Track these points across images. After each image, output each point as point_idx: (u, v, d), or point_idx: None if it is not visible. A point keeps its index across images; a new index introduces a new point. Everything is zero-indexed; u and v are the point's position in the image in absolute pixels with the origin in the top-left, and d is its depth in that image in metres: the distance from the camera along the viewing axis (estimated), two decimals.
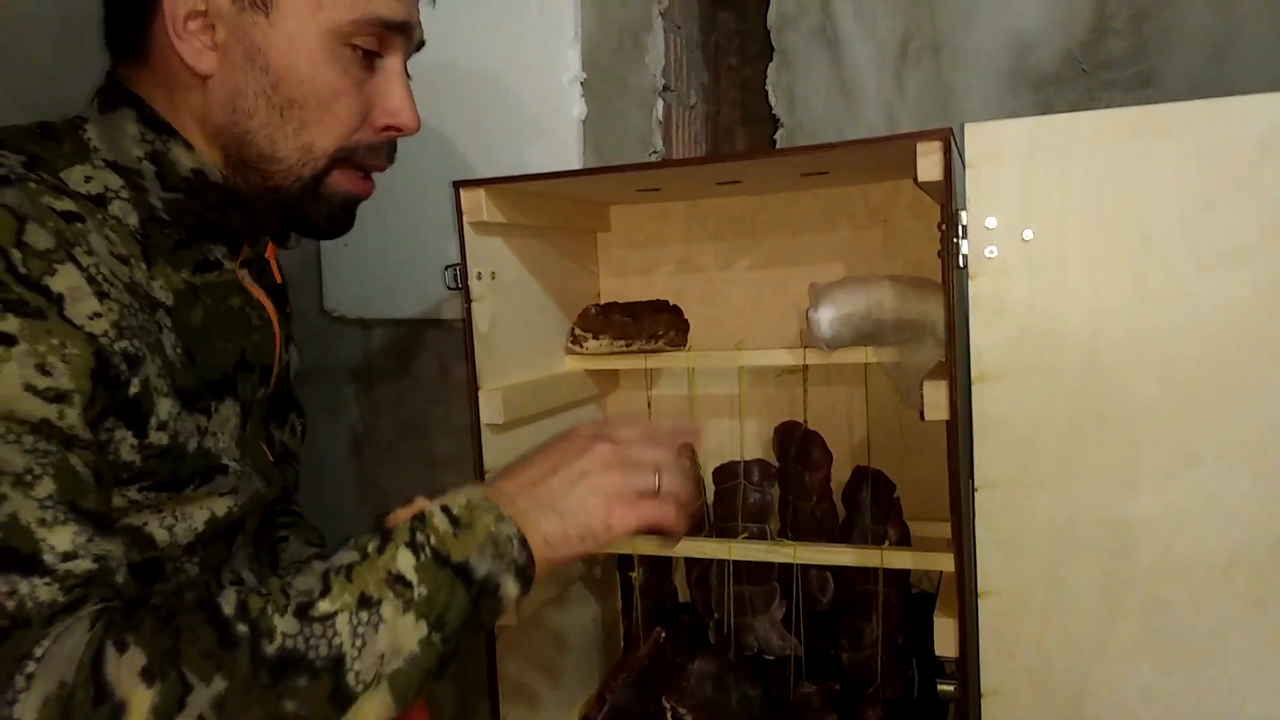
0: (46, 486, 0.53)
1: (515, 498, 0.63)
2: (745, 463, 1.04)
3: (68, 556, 0.53)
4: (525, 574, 0.61)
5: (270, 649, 0.53)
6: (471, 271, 0.91)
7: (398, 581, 0.57)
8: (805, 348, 0.96)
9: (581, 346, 1.07)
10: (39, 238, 0.56)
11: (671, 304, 1.11)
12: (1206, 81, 0.96)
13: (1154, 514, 0.71)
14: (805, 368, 1.05)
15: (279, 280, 0.86)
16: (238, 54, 0.66)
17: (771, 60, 1.14)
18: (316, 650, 0.54)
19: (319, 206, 0.71)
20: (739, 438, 1.11)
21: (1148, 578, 0.72)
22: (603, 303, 1.13)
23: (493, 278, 0.95)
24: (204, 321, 0.70)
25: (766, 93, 1.16)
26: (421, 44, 0.74)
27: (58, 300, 0.56)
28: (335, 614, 0.55)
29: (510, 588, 0.60)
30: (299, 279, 1.36)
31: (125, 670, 0.50)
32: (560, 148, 1.18)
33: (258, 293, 0.77)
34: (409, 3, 0.70)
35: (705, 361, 1.04)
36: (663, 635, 1.07)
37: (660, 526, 0.67)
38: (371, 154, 0.72)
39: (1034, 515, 0.74)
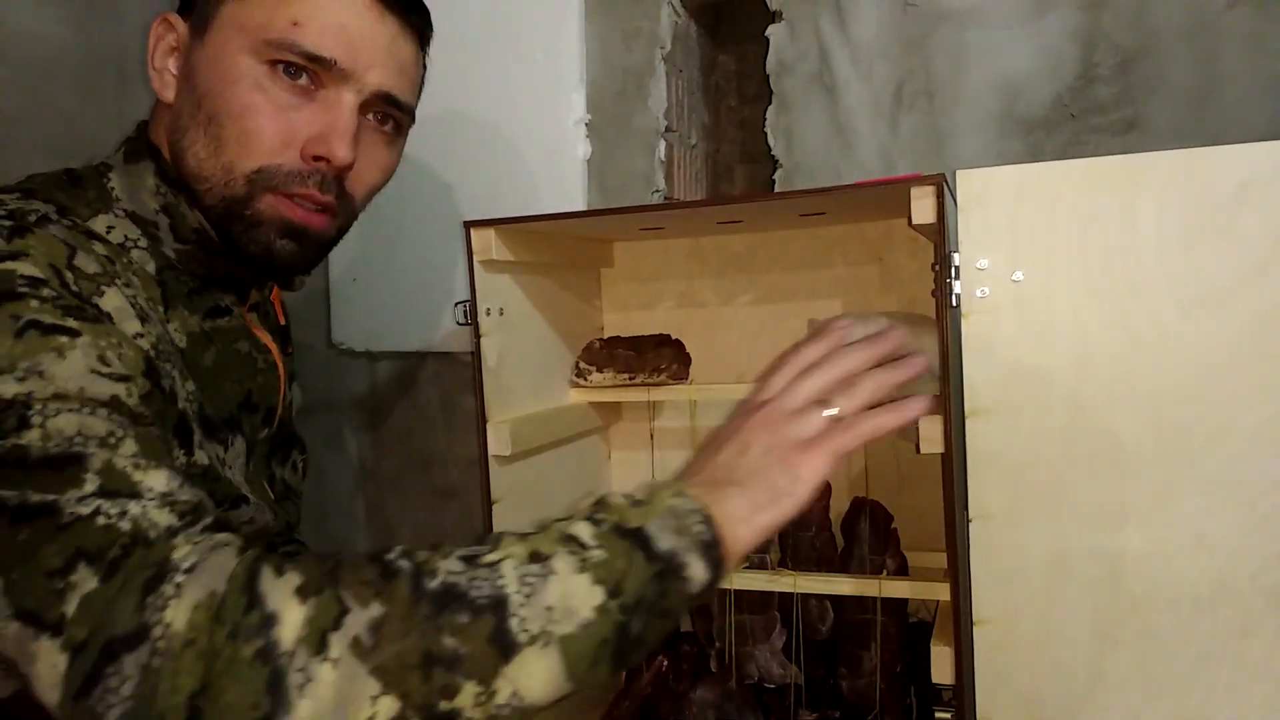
0: (130, 446, 0.53)
1: (693, 482, 0.59)
2: None
3: (167, 495, 0.52)
4: (713, 553, 0.55)
5: (432, 584, 0.50)
6: (481, 308, 0.94)
7: (572, 540, 0.53)
8: None
9: (585, 379, 1.10)
10: (87, 264, 0.60)
11: (673, 338, 1.13)
12: (1189, 126, 1.00)
13: (1141, 546, 0.73)
14: None
15: (282, 322, 0.89)
16: (183, 79, 0.70)
17: (770, 103, 1.18)
18: (479, 589, 0.50)
19: (249, 233, 0.69)
20: None
21: (1136, 608, 0.74)
22: (606, 337, 1.16)
23: (500, 313, 0.98)
24: (214, 364, 0.72)
25: (765, 133, 1.20)
26: (392, 100, 0.72)
27: (108, 315, 0.59)
28: (501, 560, 0.52)
29: (697, 569, 0.54)
30: (307, 313, 1.39)
31: (280, 586, 0.49)
32: (565, 187, 1.22)
33: (264, 336, 0.80)
34: (350, 45, 0.68)
35: (707, 394, 1.06)
36: (665, 664, 1.09)
37: (855, 445, 0.60)
38: (295, 180, 0.69)
39: (1026, 546, 0.76)
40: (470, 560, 0.52)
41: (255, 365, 0.77)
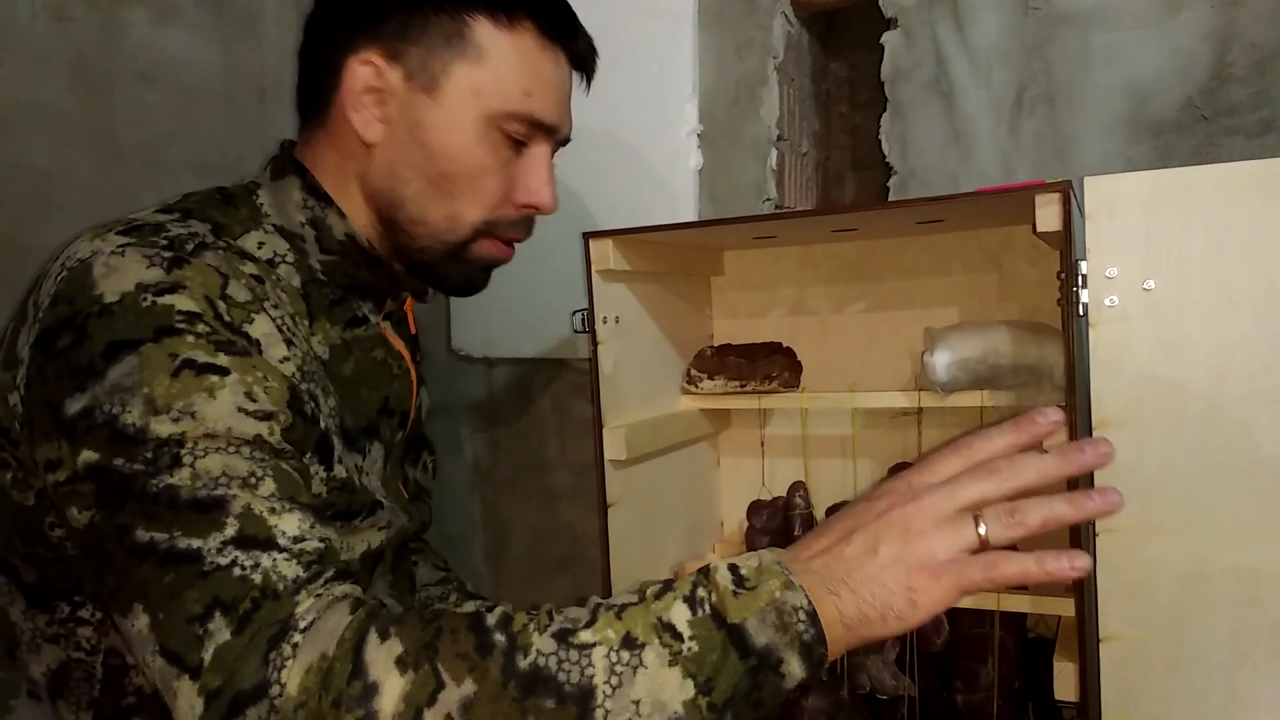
0: (269, 486, 0.58)
1: (809, 566, 0.55)
2: None
3: (298, 539, 0.57)
4: (813, 653, 0.53)
5: (523, 663, 0.52)
6: (598, 316, 0.97)
7: (667, 630, 0.53)
8: (920, 390, 0.98)
9: (697, 387, 1.11)
10: (239, 291, 0.64)
11: (785, 346, 1.14)
12: None
13: None
14: (919, 410, 1.06)
15: (413, 331, 0.93)
16: (402, 128, 0.73)
17: (885, 110, 1.17)
18: (568, 676, 0.51)
19: (459, 268, 0.78)
20: (852, 478, 1.13)
21: (1276, 630, 0.71)
22: (718, 344, 1.17)
23: (616, 321, 1.00)
24: (353, 373, 0.76)
25: (878, 140, 1.19)
26: (568, 140, 0.81)
27: (256, 343, 0.63)
28: (594, 645, 0.52)
29: (794, 666, 0.53)
30: (429, 321, 1.44)
31: (383, 655, 0.52)
32: (678, 197, 1.23)
33: (398, 344, 0.84)
34: (563, 109, 0.77)
35: (819, 403, 1.06)
36: None
37: (986, 588, 0.54)
38: (512, 228, 0.78)
39: (1157, 562, 0.74)
40: (563, 639, 0.53)
41: (391, 372, 0.81)
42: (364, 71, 0.73)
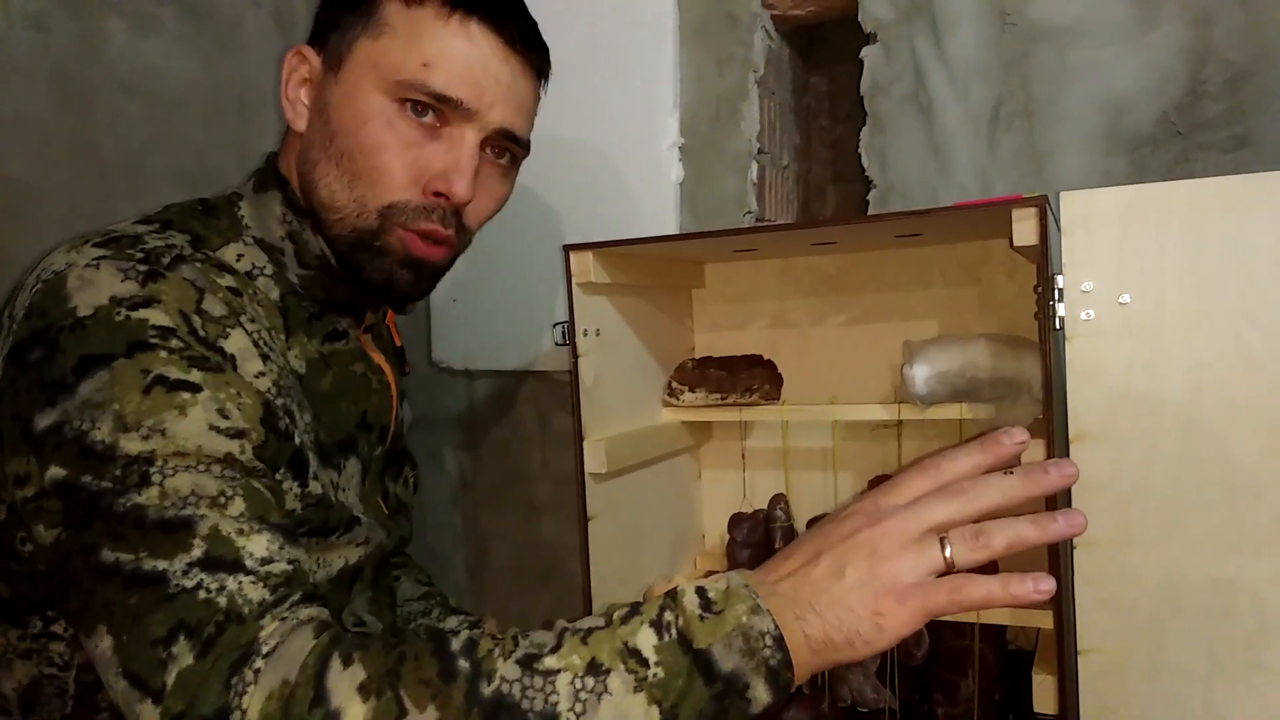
0: (238, 505, 0.57)
1: (777, 589, 0.55)
2: None
3: (265, 561, 0.56)
4: (779, 678, 0.52)
5: (487, 690, 0.51)
6: (578, 329, 0.96)
7: (633, 656, 0.52)
8: (899, 403, 0.98)
9: (678, 399, 1.11)
10: (214, 306, 0.63)
11: (765, 359, 1.14)
12: None
13: (1258, 577, 0.71)
14: (899, 423, 1.07)
15: (398, 344, 0.92)
16: (316, 111, 0.73)
17: (864, 124, 1.18)
18: (531, 703, 0.51)
19: (374, 262, 0.72)
20: (833, 490, 1.13)
21: (1252, 641, 0.71)
22: (698, 357, 1.17)
23: (597, 334, 1.00)
24: (331, 387, 0.76)
25: (858, 153, 1.20)
26: (511, 136, 0.75)
27: (231, 359, 0.62)
28: (559, 671, 0.52)
29: (760, 691, 0.52)
30: (409, 332, 1.44)
31: (345, 681, 0.51)
32: (659, 209, 1.24)
33: (379, 358, 0.83)
34: (475, 87, 0.71)
35: (799, 415, 1.07)
36: None
37: (952, 611, 0.53)
38: (420, 215, 0.72)
39: (1135, 574, 0.74)
40: (528, 665, 0.52)
41: (370, 386, 0.81)
42: (294, 61, 0.74)
